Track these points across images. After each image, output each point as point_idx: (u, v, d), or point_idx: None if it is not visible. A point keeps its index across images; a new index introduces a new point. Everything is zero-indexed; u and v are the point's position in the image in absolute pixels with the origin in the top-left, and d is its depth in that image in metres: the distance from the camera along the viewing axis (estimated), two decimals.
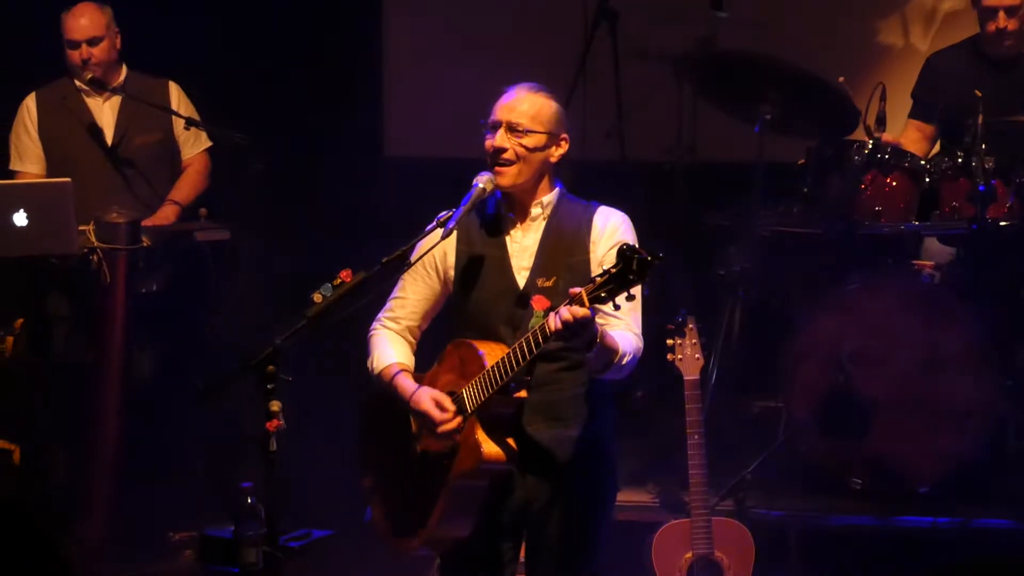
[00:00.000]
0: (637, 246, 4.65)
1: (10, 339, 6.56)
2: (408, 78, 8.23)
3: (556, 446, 4.76)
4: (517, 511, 4.78)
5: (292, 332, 4.55)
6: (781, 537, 6.11)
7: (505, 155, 4.73)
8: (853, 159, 6.46)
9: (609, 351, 4.55)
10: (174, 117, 7.02)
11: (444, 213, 4.73)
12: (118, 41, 6.99)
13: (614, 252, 4.65)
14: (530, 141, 4.74)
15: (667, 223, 6.99)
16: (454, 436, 4.69)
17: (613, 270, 4.32)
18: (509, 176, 4.74)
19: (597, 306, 4.38)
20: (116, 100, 7.02)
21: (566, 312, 4.36)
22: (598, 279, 4.34)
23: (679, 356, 5.41)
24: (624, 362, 4.62)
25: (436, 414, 4.70)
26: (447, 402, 4.70)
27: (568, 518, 4.80)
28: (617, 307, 4.36)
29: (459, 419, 4.68)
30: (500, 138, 4.73)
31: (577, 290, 4.37)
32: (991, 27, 6.67)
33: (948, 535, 6.12)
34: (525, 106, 4.75)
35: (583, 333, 4.42)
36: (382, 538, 4.98)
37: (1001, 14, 6.64)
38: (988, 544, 6.10)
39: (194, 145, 7.15)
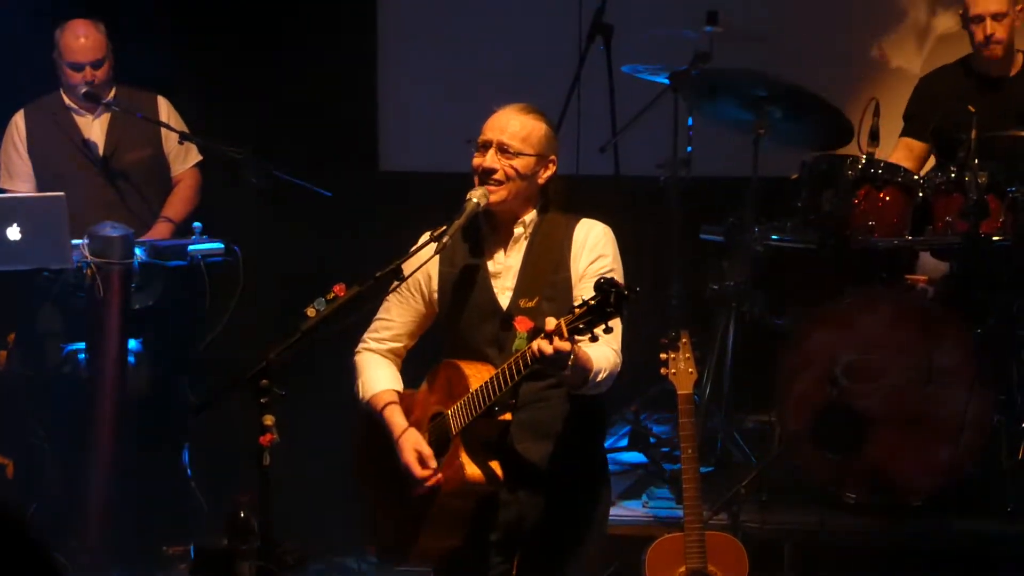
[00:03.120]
0: (615, 261, 4.69)
1: (3, 353, 6.56)
2: (402, 92, 8.24)
3: (547, 463, 4.77)
4: (510, 527, 4.80)
5: (286, 346, 4.56)
6: (775, 551, 6.11)
7: (495, 176, 4.74)
8: (846, 174, 6.47)
9: (583, 369, 4.55)
10: (164, 133, 7.02)
11: (436, 229, 4.74)
12: (113, 58, 6.98)
13: (595, 266, 4.70)
14: (520, 163, 4.75)
15: (661, 237, 7.00)
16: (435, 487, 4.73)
17: (592, 302, 4.33)
18: (501, 194, 4.76)
19: (587, 337, 4.39)
20: (106, 116, 7.00)
21: (547, 347, 4.37)
22: (576, 310, 4.35)
23: (673, 370, 5.41)
24: (600, 378, 4.63)
25: (417, 471, 4.74)
26: (429, 458, 4.73)
27: (561, 533, 4.82)
28: (595, 339, 4.37)
29: (439, 477, 4.71)
30: (490, 158, 4.74)
31: (555, 322, 4.38)
32: (979, 34, 6.71)
33: (942, 549, 6.12)
34: (516, 127, 4.76)
35: (563, 362, 4.43)
36: (377, 550, 5.02)
37: (988, 20, 6.67)
38: (983, 557, 6.10)
39: (184, 161, 7.15)
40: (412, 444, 4.77)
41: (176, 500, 6.75)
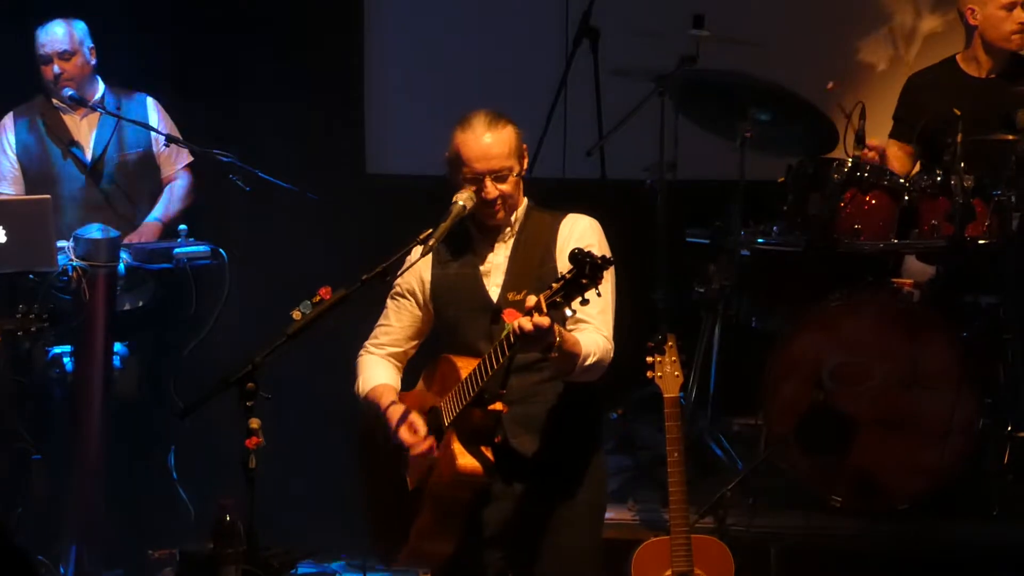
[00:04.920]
0: (602, 249, 4.72)
1: None
2: (389, 95, 8.23)
3: (542, 458, 4.82)
4: (504, 522, 4.84)
5: (271, 350, 4.56)
6: (761, 555, 6.11)
7: (499, 203, 4.81)
8: (832, 177, 6.47)
9: (572, 354, 4.60)
10: (153, 134, 7.01)
11: (423, 232, 4.75)
12: (92, 57, 6.97)
13: None
14: (513, 178, 4.84)
15: (647, 241, 7.00)
16: (430, 456, 4.73)
17: (567, 275, 4.39)
18: (504, 212, 4.86)
19: (566, 310, 4.43)
20: (94, 117, 7.00)
21: (525, 321, 4.41)
22: (554, 285, 4.41)
23: (659, 374, 5.41)
24: (589, 363, 4.69)
25: (408, 438, 4.76)
26: (420, 425, 4.76)
27: (556, 529, 4.87)
28: (573, 312, 4.41)
29: (430, 440, 4.74)
30: (491, 190, 4.80)
31: (534, 298, 4.42)
32: (1010, 25, 6.68)
33: (928, 552, 6.13)
34: (497, 149, 4.81)
35: (544, 339, 4.46)
36: (372, 552, 5.04)
37: (1018, 9, 6.67)
38: (969, 561, 6.11)
39: (175, 161, 7.14)
40: (405, 421, 4.81)
41: (162, 503, 6.75)
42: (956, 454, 6.22)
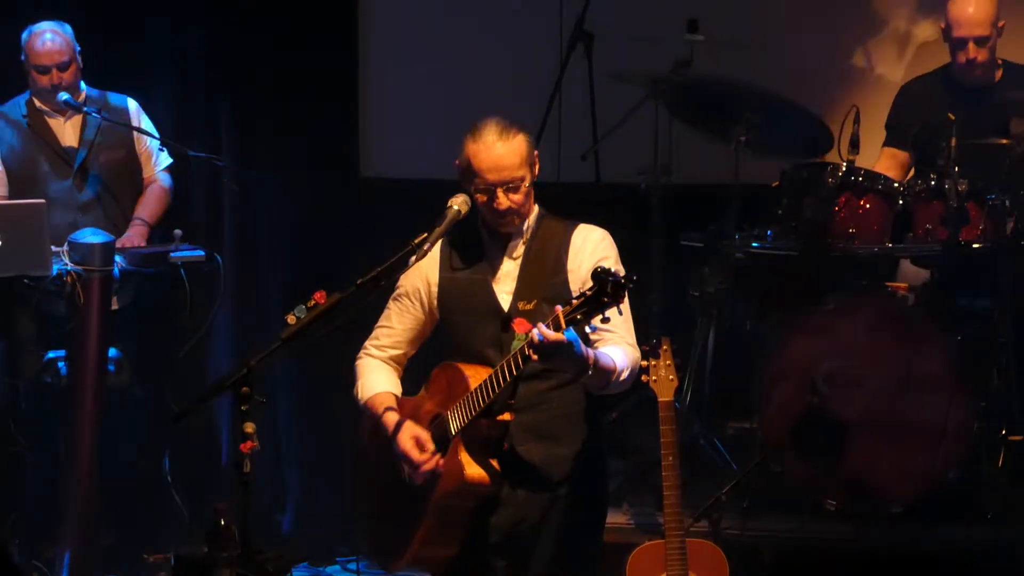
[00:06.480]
0: (617, 264, 4.72)
1: None
2: (384, 99, 8.23)
3: (548, 465, 4.83)
4: (509, 528, 4.84)
5: (266, 354, 4.56)
6: (756, 558, 6.12)
7: (511, 213, 4.79)
8: (827, 181, 6.48)
9: (606, 372, 4.60)
10: (136, 134, 7.00)
11: (419, 237, 4.74)
12: (81, 60, 6.96)
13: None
14: (525, 188, 4.82)
15: (642, 245, 7.00)
16: (435, 471, 4.73)
17: (589, 293, 4.38)
18: (517, 222, 4.85)
19: (586, 327, 4.43)
20: (78, 119, 6.98)
21: (536, 334, 4.40)
22: (574, 301, 4.40)
23: (654, 377, 5.42)
24: (623, 377, 4.72)
25: (415, 455, 4.75)
26: (427, 441, 4.75)
27: (560, 536, 4.87)
28: (593, 329, 4.41)
29: (437, 458, 4.74)
30: (503, 201, 4.78)
31: (556, 311, 4.41)
32: (961, 57, 6.72)
33: (923, 556, 6.13)
34: (509, 159, 4.78)
35: (558, 355, 4.45)
36: (371, 557, 5.04)
37: (971, 45, 6.68)
38: (963, 565, 6.11)
39: (156, 162, 7.13)
40: (409, 433, 4.80)
41: (156, 507, 6.74)
42: (950, 458, 6.23)
